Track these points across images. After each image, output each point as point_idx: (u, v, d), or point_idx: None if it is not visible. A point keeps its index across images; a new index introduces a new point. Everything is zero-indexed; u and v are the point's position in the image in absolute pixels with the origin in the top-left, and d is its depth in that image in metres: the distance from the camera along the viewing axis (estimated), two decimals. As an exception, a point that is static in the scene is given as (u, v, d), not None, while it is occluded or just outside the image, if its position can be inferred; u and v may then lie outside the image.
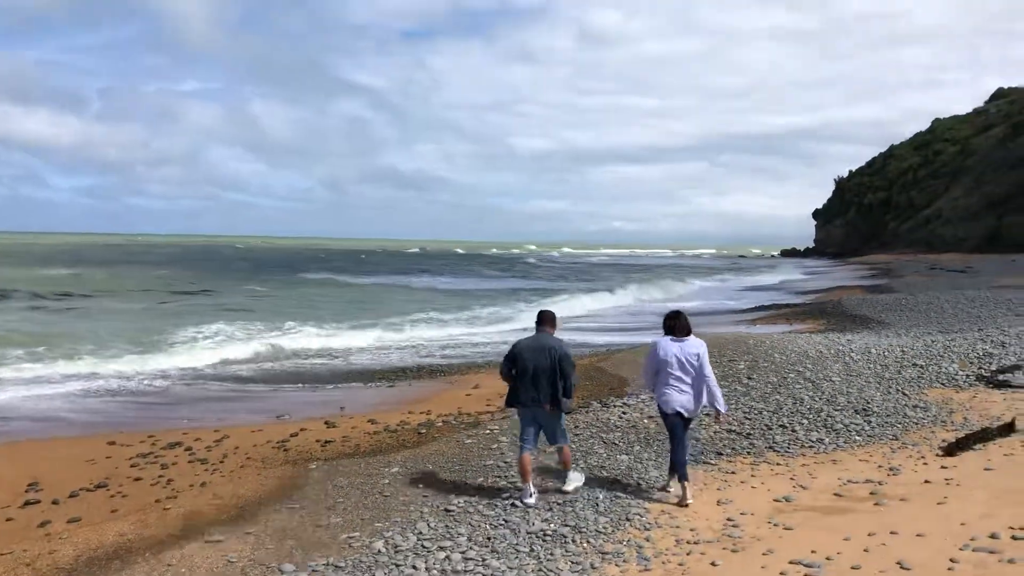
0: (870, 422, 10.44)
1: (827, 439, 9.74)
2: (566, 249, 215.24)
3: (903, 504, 7.06)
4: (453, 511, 7.43)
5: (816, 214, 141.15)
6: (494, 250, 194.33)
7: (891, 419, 10.57)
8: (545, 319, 8.23)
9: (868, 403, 11.49)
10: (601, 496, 7.76)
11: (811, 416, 10.81)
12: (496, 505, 7.58)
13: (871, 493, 7.51)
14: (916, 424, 10.31)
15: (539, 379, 7.83)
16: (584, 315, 33.70)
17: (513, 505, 7.54)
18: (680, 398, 7.75)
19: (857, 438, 9.78)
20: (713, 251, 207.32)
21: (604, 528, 6.90)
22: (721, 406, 7.87)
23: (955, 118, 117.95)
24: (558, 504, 7.56)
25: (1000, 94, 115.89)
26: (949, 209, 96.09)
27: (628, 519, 7.11)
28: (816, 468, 8.57)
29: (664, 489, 7.99)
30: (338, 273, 68.75)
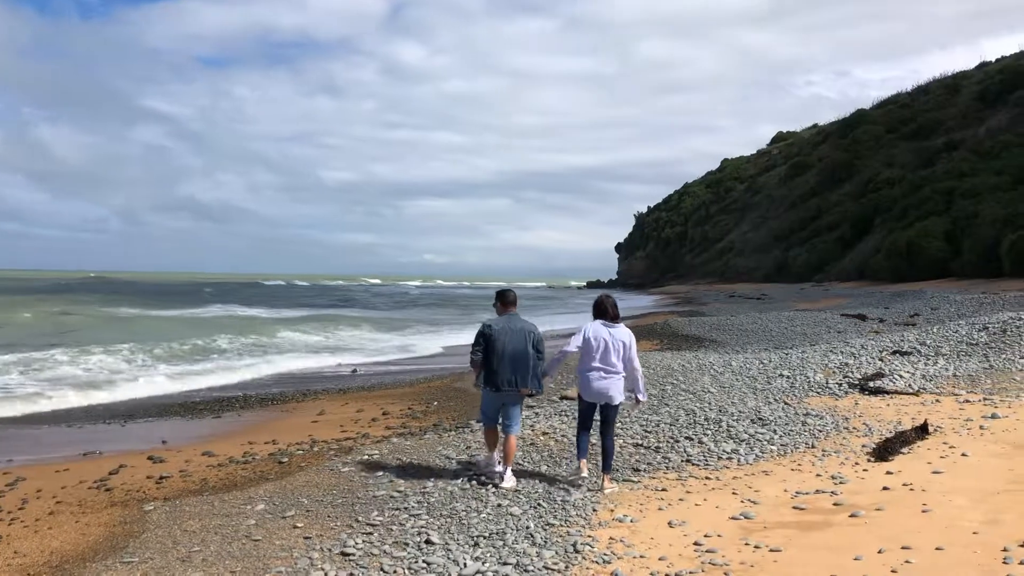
0: (775, 431, 9.74)
1: (742, 450, 8.90)
2: (415, 282, 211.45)
3: (882, 514, 6.19)
4: (353, 555, 5.82)
5: (618, 247, 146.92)
6: (340, 282, 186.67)
7: (792, 427, 9.92)
8: (511, 299, 7.99)
9: (759, 412, 10.86)
10: (532, 525, 6.40)
11: (712, 427, 9.99)
12: (407, 544, 6.03)
13: (835, 504, 6.62)
14: (821, 431, 9.69)
15: (517, 362, 7.58)
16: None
17: (428, 543, 6.03)
18: (604, 384, 7.61)
19: (771, 448, 9.00)
20: (544, 283, 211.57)
21: (554, 564, 5.54)
22: (643, 395, 7.92)
23: (742, 158, 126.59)
24: (484, 537, 6.13)
25: (780, 137, 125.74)
26: (740, 242, 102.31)
27: (577, 550, 5.79)
28: (752, 480, 7.64)
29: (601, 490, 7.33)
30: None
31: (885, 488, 6.92)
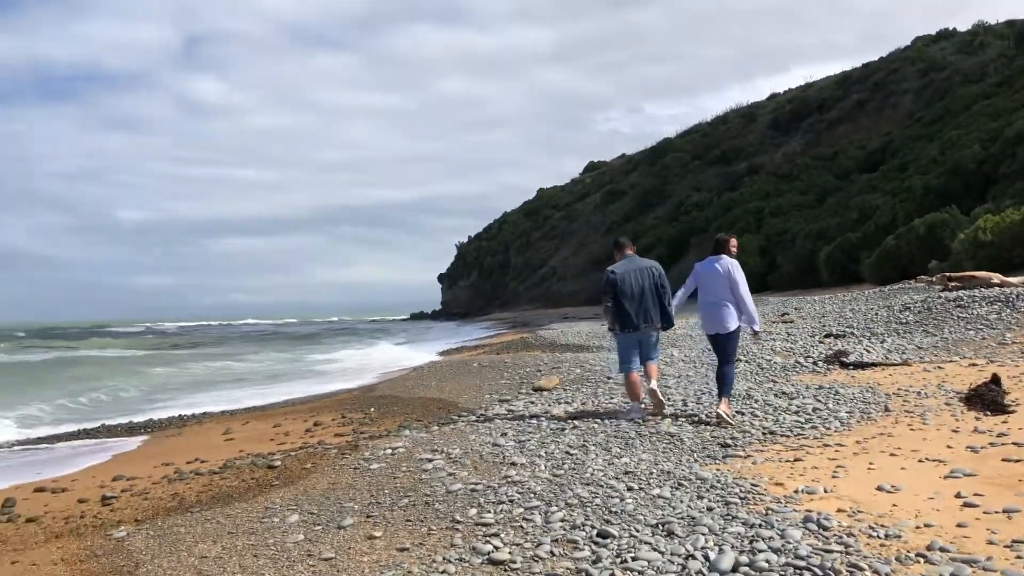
0: (820, 402, 8.48)
1: (815, 419, 7.55)
2: (250, 320, 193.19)
3: None
4: (514, 564, 3.88)
5: (441, 278, 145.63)
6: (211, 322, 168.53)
7: (832, 397, 8.69)
8: (625, 243, 8.19)
9: (774, 389, 9.65)
10: (716, 508, 4.66)
11: (749, 403, 8.62)
12: (575, 542, 4.14)
13: (1047, 452, 5.36)
14: (869, 399, 8.55)
15: (646, 300, 7.61)
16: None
17: (603, 536, 4.17)
18: (714, 315, 7.65)
19: (844, 416, 7.69)
20: (403, 317, 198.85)
21: (824, 546, 3.86)
22: (757, 324, 7.90)
23: (557, 187, 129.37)
24: (676, 523, 4.34)
25: (592, 167, 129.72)
26: (561, 267, 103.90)
27: (823, 527, 4.13)
28: (885, 443, 6.30)
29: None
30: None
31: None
